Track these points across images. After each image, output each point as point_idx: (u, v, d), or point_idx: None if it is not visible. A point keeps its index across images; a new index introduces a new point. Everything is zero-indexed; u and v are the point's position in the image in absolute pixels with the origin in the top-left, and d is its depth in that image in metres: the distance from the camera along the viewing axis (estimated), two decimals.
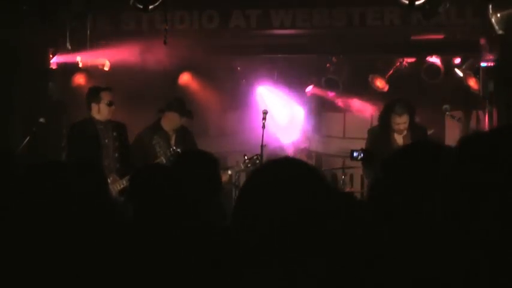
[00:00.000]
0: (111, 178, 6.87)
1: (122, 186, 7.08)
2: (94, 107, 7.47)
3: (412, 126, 7.59)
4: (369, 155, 7.36)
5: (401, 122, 7.50)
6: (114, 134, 7.47)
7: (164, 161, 7.44)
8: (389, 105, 7.65)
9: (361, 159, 7.42)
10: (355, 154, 7.40)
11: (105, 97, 7.45)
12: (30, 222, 3.29)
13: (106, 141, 7.43)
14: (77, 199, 3.79)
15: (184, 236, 3.20)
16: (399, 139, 7.61)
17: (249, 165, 8.00)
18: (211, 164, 3.55)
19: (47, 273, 3.11)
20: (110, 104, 7.43)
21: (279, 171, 2.09)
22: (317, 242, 2.00)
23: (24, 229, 3.24)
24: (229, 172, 8.07)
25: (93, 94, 7.51)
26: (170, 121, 7.86)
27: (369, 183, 7.87)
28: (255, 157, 7.99)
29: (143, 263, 3.14)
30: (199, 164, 3.50)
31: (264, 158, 8.22)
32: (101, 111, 7.43)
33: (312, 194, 2.04)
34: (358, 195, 9.40)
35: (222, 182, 3.56)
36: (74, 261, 3.18)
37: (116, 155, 7.43)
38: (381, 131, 7.67)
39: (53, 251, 3.20)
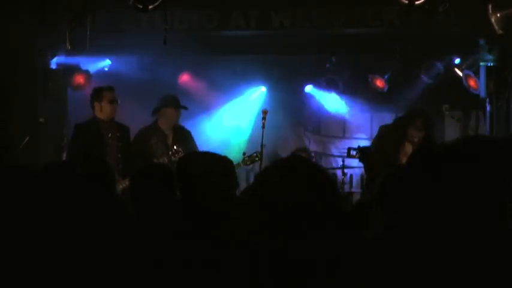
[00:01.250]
0: None
1: (124, 185, 7.10)
2: (97, 106, 7.49)
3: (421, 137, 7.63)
4: (365, 154, 7.35)
5: (417, 136, 7.51)
6: (118, 134, 7.50)
7: (166, 160, 7.45)
8: (410, 117, 7.60)
9: (358, 157, 7.43)
10: (352, 152, 7.42)
11: (107, 95, 7.48)
12: (41, 220, 3.30)
13: (110, 141, 7.46)
14: (89, 197, 3.81)
15: (185, 235, 3.20)
16: (408, 147, 7.60)
17: (248, 162, 8.00)
18: (228, 164, 3.54)
19: (55, 268, 3.12)
20: (111, 102, 7.46)
21: (287, 170, 2.09)
22: (323, 243, 2.00)
23: (34, 227, 3.26)
24: None
25: (96, 93, 7.55)
26: (167, 118, 7.86)
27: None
28: (254, 154, 7.99)
29: (146, 262, 3.15)
30: (216, 165, 3.48)
31: (264, 158, 8.22)
32: (103, 110, 7.46)
33: (319, 193, 2.04)
34: (358, 195, 9.41)
35: (237, 183, 3.55)
36: (81, 257, 3.19)
37: (119, 155, 7.44)
38: (393, 135, 7.64)
39: (62, 248, 3.22)
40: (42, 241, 3.23)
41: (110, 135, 7.47)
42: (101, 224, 3.56)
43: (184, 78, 10.20)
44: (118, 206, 4.18)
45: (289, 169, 2.12)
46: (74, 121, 9.16)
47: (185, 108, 8.03)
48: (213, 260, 2.89)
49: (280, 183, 2.06)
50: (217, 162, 3.48)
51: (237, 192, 3.70)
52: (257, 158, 7.98)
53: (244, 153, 8.05)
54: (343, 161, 9.77)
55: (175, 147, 7.62)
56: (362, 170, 8.62)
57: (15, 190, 3.34)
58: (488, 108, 9.48)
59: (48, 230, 3.32)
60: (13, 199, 3.31)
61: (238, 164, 7.94)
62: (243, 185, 9.66)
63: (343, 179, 9.25)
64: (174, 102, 7.90)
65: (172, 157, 7.46)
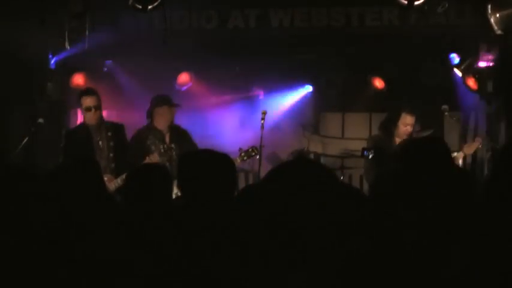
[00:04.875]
0: (106, 178, 6.87)
1: (117, 185, 7.09)
2: (79, 111, 7.52)
3: (412, 133, 7.77)
4: (381, 155, 7.38)
5: (410, 122, 7.67)
6: (109, 134, 7.47)
7: (158, 157, 7.43)
8: (398, 106, 7.81)
9: (372, 158, 7.44)
10: (366, 153, 7.43)
11: (84, 102, 7.43)
12: (31, 222, 3.30)
13: (100, 143, 7.43)
14: (76, 198, 3.80)
15: (184, 236, 3.19)
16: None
17: (245, 158, 8.00)
18: (228, 163, 3.53)
19: (49, 268, 3.11)
20: (88, 110, 7.40)
21: (298, 173, 2.08)
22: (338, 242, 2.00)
23: (25, 230, 3.25)
24: None
25: (77, 99, 7.54)
26: (162, 117, 7.85)
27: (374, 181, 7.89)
28: (250, 149, 7.99)
29: (143, 262, 3.14)
30: (215, 164, 3.46)
31: (263, 159, 8.22)
32: (84, 116, 7.46)
33: (330, 195, 2.03)
34: None
35: (237, 182, 3.53)
36: (74, 257, 3.19)
37: (111, 155, 7.42)
38: (383, 137, 7.72)
39: (55, 248, 3.21)
40: (37, 241, 3.22)
41: (100, 136, 7.45)
42: (96, 224, 3.55)
43: (183, 78, 10.19)
44: (111, 205, 4.17)
45: (296, 171, 2.11)
46: (73, 122, 9.16)
47: (177, 105, 8.01)
48: (210, 260, 2.88)
49: (290, 184, 2.06)
50: (218, 160, 3.46)
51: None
52: (253, 153, 7.98)
53: (240, 149, 8.05)
54: (342, 162, 9.78)
55: (167, 144, 7.61)
56: (361, 171, 8.63)
57: (15, 191, 3.33)
58: (487, 108, 9.48)
59: (45, 230, 3.31)
60: (13, 199, 3.31)
61: (235, 160, 7.94)
62: (242, 184, 9.67)
63: (342, 179, 9.25)
64: (166, 101, 7.90)
65: (165, 154, 7.45)
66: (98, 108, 7.42)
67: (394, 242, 2.32)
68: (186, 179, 3.42)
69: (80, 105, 7.49)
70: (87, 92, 7.53)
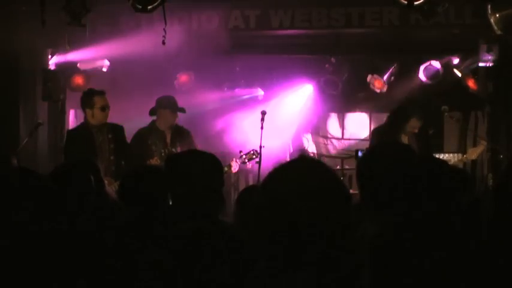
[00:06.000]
0: (105, 181, 6.86)
1: (116, 188, 7.07)
2: (88, 112, 7.49)
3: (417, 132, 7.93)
4: None
5: (418, 126, 7.83)
6: (110, 136, 7.47)
7: (159, 161, 7.44)
8: (409, 109, 7.91)
9: None
10: (361, 153, 7.45)
11: (98, 102, 7.43)
12: (29, 223, 3.29)
13: (101, 144, 7.43)
14: (75, 199, 3.79)
15: (178, 237, 3.18)
16: (405, 139, 7.75)
17: (246, 160, 8.02)
18: (215, 163, 3.53)
19: (45, 270, 3.11)
20: (103, 109, 7.41)
21: (301, 172, 2.07)
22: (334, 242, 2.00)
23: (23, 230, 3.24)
24: (225, 169, 8.07)
25: (86, 99, 7.52)
26: (164, 119, 7.87)
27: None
28: (251, 152, 8.01)
29: (141, 264, 3.13)
30: (203, 164, 3.46)
31: (263, 159, 8.22)
32: (95, 116, 7.43)
33: (332, 195, 2.04)
34: (358, 196, 9.39)
35: (224, 181, 3.54)
36: (72, 261, 3.18)
37: (112, 157, 7.42)
38: (389, 131, 7.74)
39: (52, 251, 3.20)
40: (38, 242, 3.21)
41: (101, 138, 7.45)
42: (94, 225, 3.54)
43: (183, 78, 10.19)
44: (109, 205, 4.16)
45: (302, 169, 2.11)
46: (72, 122, 9.15)
47: (182, 111, 8.02)
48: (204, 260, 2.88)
49: (293, 183, 2.05)
50: (203, 160, 3.46)
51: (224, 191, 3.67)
52: (254, 156, 8.01)
53: (240, 151, 8.08)
54: (342, 162, 9.77)
55: (169, 147, 7.62)
56: None
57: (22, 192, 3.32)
58: (487, 108, 9.48)
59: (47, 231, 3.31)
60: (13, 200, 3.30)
61: (236, 162, 7.96)
62: (242, 185, 9.67)
63: (342, 180, 9.22)
64: (171, 105, 7.90)
65: (166, 157, 7.46)
66: (109, 108, 7.47)
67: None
68: (172, 179, 3.43)
69: (89, 105, 7.46)
70: (100, 92, 7.56)
